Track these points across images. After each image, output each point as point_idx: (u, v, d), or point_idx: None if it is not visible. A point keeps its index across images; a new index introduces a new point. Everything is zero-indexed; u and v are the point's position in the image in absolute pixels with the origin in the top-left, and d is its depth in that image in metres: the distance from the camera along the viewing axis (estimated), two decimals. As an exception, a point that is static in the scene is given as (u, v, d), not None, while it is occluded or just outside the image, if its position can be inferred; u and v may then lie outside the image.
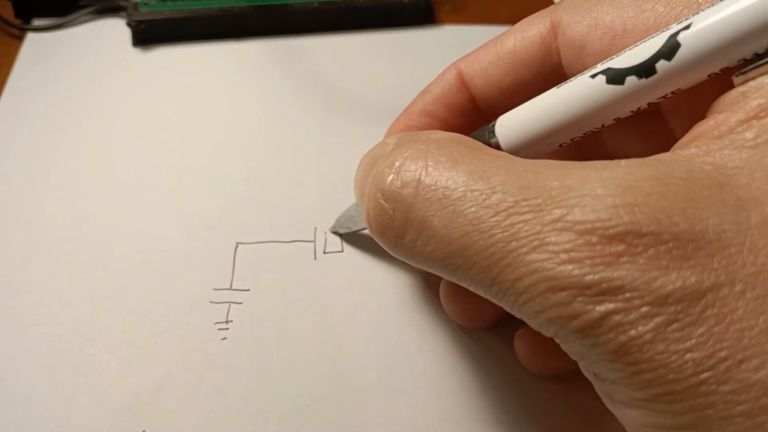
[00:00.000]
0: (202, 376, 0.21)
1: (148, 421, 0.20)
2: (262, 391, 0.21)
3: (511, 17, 0.33)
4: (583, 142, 0.17)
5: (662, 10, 0.16)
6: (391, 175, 0.16)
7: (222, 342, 0.22)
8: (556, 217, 0.13)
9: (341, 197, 0.25)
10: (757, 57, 0.14)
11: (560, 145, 0.17)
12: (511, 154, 0.17)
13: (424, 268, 0.16)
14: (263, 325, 0.22)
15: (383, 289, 0.23)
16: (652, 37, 0.15)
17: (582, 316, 0.12)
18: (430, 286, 0.23)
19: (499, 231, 0.13)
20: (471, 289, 0.15)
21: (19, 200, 0.24)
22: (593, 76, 0.15)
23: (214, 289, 0.23)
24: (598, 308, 0.12)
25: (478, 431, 0.21)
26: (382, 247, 0.17)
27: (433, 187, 0.15)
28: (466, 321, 0.22)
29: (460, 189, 0.14)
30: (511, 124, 0.17)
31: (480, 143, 0.16)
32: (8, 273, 0.23)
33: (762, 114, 0.13)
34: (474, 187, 0.14)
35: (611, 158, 0.14)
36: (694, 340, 0.12)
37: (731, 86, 0.14)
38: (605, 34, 0.17)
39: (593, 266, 0.12)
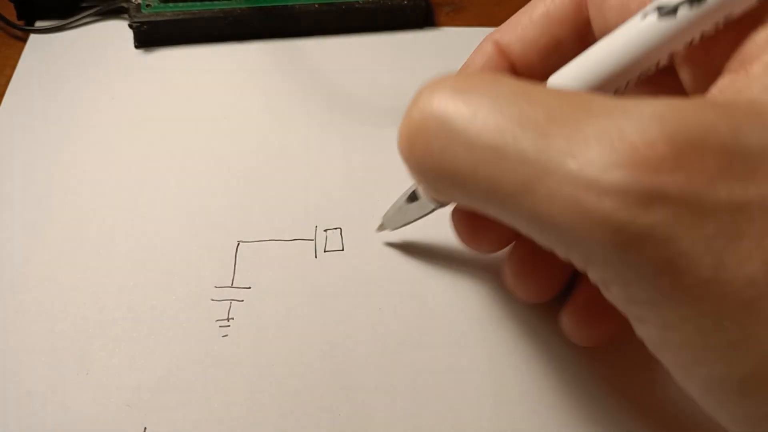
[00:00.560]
0: (203, 374, 0.21)
1: (149, 418, 0.20)
2: (262, 389, 0.21)
3: (510, 19, 0.33)
4: None
5: None
6: (426, 91, 0.15)
7: (223, 339, 0.22)
8: (599, 125, 0.12)
9: (341, 197, 0.25)
10: None
11: (615, 92, 0.17)
12: None
13: (450, 189, 0.15)
14: (264, 323, 0.22)
15: (383, 288, 0.23)
16: None
17: (627, 227, 0.12)
18: (430, 285, 0.24)
19: (537, 135, 0.13)
20: (496, 207, 0.14)
21: (21, 199, 0.24)
22: (644, 17, 0.16)
23: (216, 286, 0.23)
24: (645, 218, 0.11)
25: (479, 428, 0.21)
26: (409, 167, 0.16)
27: (470, 100, 0.14)
28: (533, 295, 0.22)
29: (500, 101, 0.14)
30: (566, 79, 0.17)
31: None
32: (10, 271, 0.23)
33: None
34: (513, 99, 0.13)
35: None
36: (743, 254, 0.11)
37: (746, 33, 0.14)
38: None
39: (638, 172, 0.11)
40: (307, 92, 0.29)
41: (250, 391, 0.21)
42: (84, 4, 0.31)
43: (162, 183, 0.25)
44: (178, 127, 0.27)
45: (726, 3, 0.15)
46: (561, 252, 0.13)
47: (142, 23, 0.29)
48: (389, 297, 0.23)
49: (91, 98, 0.28)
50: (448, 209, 0.21)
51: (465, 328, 0.23)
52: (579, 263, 0.13)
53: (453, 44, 0.32)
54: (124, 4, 0.30)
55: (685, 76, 0.17)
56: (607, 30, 0.17)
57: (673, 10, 0.15)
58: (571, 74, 0.17)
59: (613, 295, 0.13)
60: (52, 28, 0.30)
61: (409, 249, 0.24)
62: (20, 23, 0.30)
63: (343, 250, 0.24)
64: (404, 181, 0.26)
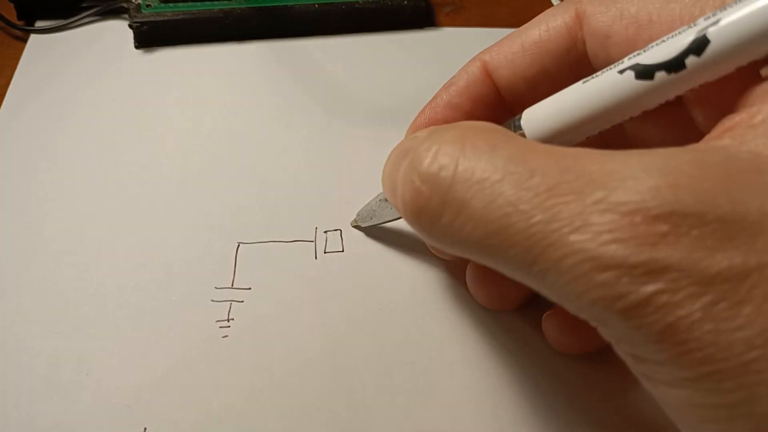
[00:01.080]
0: (203, 374, 0.21)
1: (149, 418, 0.20)
2: (262, 389, 0.21)
3: (509, 19, 0.33)
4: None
5: (687, 1, 0.16)
6: (429, 158, 0.15)
7: (223, 340, 0.22)
8: (598, 198, 0.13)
9: (342, 197, 0.25)
10: None
11: (587, 137, 0.17)
12: None
13: (459, 253, 0.16)
14: (264, 324, 0.22)
15: (383, 289, 0.23)
16: (679, 33, 0.15)
17: (628, 296, 0.12)
18: (430, 285, 0.24)
19: (539, 211, 0.13)
20: (507, 271, 0.15)
21: (21, 199, 0.25)
22: (621, 72, 0.15)
23: (216, 287, 0.23)
24: (644, 288, 0.12)
25: (478, 428, 0.21)
26: (417, 232, 0.17)
27: (471, 170, 0.14)
28: (491, 304, 0.22)
29: (498, 171, 0.14)
30: (537, 117, 0.17)
31: (513, 133, 0.16)
32: (11, 271, 0.23)
33: None
34: (513, 170, 0.14)
35: (631, 145, 0.14)
36: (742, 319, 0.12)
37: (757, 76, 0.14)
38: (630, 24, 0.17)
39: (638, 246, 0.12)
40: (308, 92, 0.29)
41: (250, 392, 0.21)
42: (84, 4, 0.31)
43: (162, 183, 0.25)
44: (178, 127, 0.27)
45: (703, 72, 0.15)
46: (571, 311, 0.14)
47: (142, 23, 0.29)
48: (389, 297, 0.23)
49: (91, 98, 0.28)
50: None
51: (465, 329, 0.23)
52: (590, 322, 0.14)
53: (453, 44, 0.32)
54: (124, 4, 0.30)
55: (694, 111, 0.17)
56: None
57: (649, 74, 0.15)
58: (544, 114, 0.17)
59: (622, 351, 0.14)
60: (52, 28, 0.30)
61: (398, 258, 0.24)
62: (20, 23, 0.30)
63: (343, 251, 0.24)
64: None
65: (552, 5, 0.30)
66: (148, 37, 0.30)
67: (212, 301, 0.23)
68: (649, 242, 0.12)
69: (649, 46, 0.15)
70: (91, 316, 0.22)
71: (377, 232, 0.25)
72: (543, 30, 0.19)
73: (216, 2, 0.30)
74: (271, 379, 0.21)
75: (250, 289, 0.23)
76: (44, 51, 0.30)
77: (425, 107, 0.22)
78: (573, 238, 0.13)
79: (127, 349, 0.21)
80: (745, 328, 0.11)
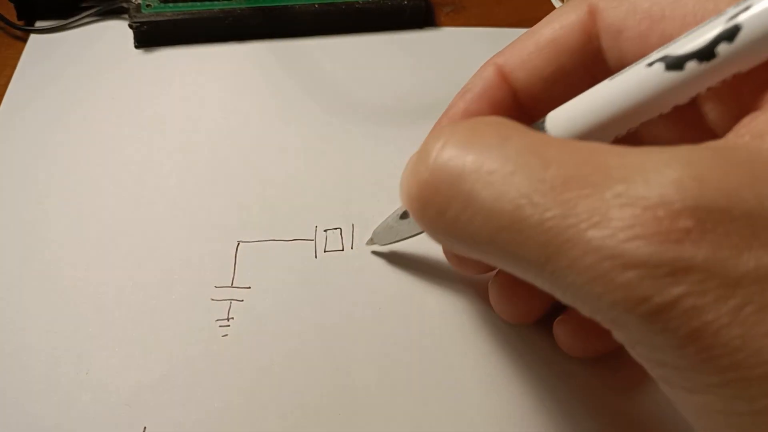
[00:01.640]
0: (202, 373, 0.21)
1: (148, 418, 0.20)
2: (262, 388, 0.21)
3: (509, 19, 0.33)
4: None
5: None
6: (436, 150, 0.14)
7: (223, 339, 0.22)
8: (618, 192, 0.12)
9: (341, 197, 0.25)
10: None
11: (615, 138, 0.16)
12: None
13: (467, 251, 0.15)
14: (264, 323, 0.22)
15: (383, 288, 0.23)
16: (709, 22, 0.14)
17: (652, 299, 0.11)
18: (430, 286, 0.24)
19: (554, 205, 0.12)
20: (517, 271, 0.14)
21: (21, 199, 0.24)
22: (650, 65, 0.15)
23: (216, 286, 0.23)
24: (670, 290, 0.11)
25: (478, 428, 0.21)
26: (422, 228, 0.16)
27: (482, 161, 0.14)
28: (516, 318, 0.22)
29: (510, 163, 0.13)
30: (563, 120, 0.17)
31: (526, 126, 0.15)
32: (10, 271, 0.23)
33: None
34: (527, 162, 0.13)
35: (643, 144, 0.14)
36: None
37: None
38: (643, 18, 0.16)
39: (662, 243, 0.11)
40: (307, 92, 0.29)
41: (250, 391, 0.21)
42: (84, 4, 0.31)
43: (162, 182, 0.25)
44: (178, 127, 0.27)
45: (735, 61, 0.14)
46: (584, 313, 0.13)
47: (142, 23, 0.29)
48: (389, 297, 0.23)
49: (92, 98, 0.28)
50: None
51: (465, 329, 0.23)
52: (604, 324, 0.13)
53: (453, 44, 0.32)
54: (124, 4, 0.30)
55: (709, 111, 0.17)
56: (623, 61, 0.16)
57: (679, 65, 0.14)
58: (570, 115, 0.17)
59: (638, 354, 0.13)
60: (52, 28, 0.30)
61: (397, 259, 0.24)
62: (20, 23, 0.30)
63: (342, 250, 0.24)
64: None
65: (552, 5, 0.30)
66: (148, 37, 0.30)
67: (212, 300, 0.22)
68: (673, 239, 0.11)
69: (678, 38, 0.15)
70: (91, 315, 0.22)
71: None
72: (557, 27, 0.19)
73: (216, 2, 0.30)
74: (270, 378, 0.21)
75: (249, 288, 0.23)
76: (44, 51, 0.30)
77: (442, 117, 0.21)
78: (591, 234, 0.12)
79: (126, 348, 0.21)
80: None
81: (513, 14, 0.33)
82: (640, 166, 0.12)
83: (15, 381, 0.20)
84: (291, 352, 0.22)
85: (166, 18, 0.29)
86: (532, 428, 0.21)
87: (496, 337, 0.22)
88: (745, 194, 0.12)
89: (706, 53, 0.14)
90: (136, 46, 0.30)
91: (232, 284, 0.23)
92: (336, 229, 0.25)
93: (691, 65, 0.14)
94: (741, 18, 0.14)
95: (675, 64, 0.15)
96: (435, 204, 0.15)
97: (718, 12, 0.14)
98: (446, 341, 0.22)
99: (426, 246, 0.24)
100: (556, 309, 0.22)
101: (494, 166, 0.13)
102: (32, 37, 0.30)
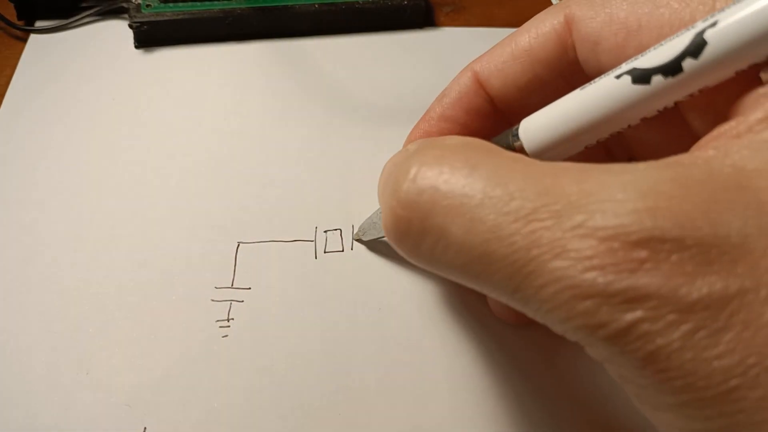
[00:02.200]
0: (202, 374, 0.21)
1: (149, 418, 0.20)
2: (262, 389, 0.21)
3: (509, 19, 0.33)
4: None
5: (676, 6, 0.15)
6: (407, 183, 0.15)
7: (223, 340, 0.22)
8: (577, 223, 0.12)
9: (341, 197, 0.25)
10: None
11: (586, 147, 0.17)
12: (535, 156, 0.17)
13: (444, 276, 0.16)
14: (264, 323, 0.22)
15: (383, 288, 0.23)
16: (676, 36, 0.14)
17: (609, 324, 0.12)
18: (430, 286, 0.24)
19: (519, 238, 0.13)
20: (493, 296, 0.15)
21: (21, 199, 0.25)
22: (618, 77, 0.15)
23: (216, 287, 0.23)
24: (625, 317, 0.12)
25: (478, 429, 0.21)
26: (403, 254, 0.17)
27: (450, 194, 0.14)
28: (514, 319, 0.22)
29: (477, 196, 0.14)
30: (535, 127, 0.17)
31: (496, 147, 0.16)
32: (11, 271, 0.23)
33: None
34: (492, 194, 0.14)
35: (630, 150, 0.14)
36: (722, 347, 0.11)
37: (757, 81, 0.14)
38: (620, 30, 0.17)
39: (617, 273, 0.12)
40: (307, 92, 0.29)
41: (250, 392, 0.21)
42: (84, 4, 0.31)
43: (162, 183, 0.25)
44: (178, 128, 0.27)
45: (701, 76, 0.14)
46: (556, 332, 0.14)
47: (142, 23, 0.29)
48: (389, 297, 0.23)
49: (92, 98, 0.28)
50: None
51: (465, 329, 0.23)
52: (576, 341, 0.14)
53: (453, 44, 0.32)
54: (124, 4, 0.30)
55: (691, 119, 0.17)
56: (600, 71, 0.16)
57: (646, 78, 0.15)
58: (541, 124, 0.17)
59: (610, 371, 0.14)
60: (52, 28, 0.30)
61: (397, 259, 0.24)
62: (20, 23, 0.30)
63: (342, 251, 0.24)
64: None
65: (552, 5, 0.30)
66: (148, 37, 0.30)
67: (212, 300, 0.23)
68: (627, 269, 0.12)
69: (647, 50, 0.15)
70: (91, 316, 0.22)
71: (377, 234, 0.25)
72: (533, 37, 0.19)
73: (216, 2, 0.30)
74: (270, 379, 0.21)
75: (250, 288, 0.23)
76: (44, 51, 0.30)
77: (420, 120, 0.22)
78: (553, 264, 0.12)
79: (127, 348, 0.21)
80: (725, 357, 0.11)
81: (513, 14, 0.33)
82: (599, 195, 0.13)
83: (15, 381, 0.20)
84: (291, 352, 0.22)
85: (166, 18, 0.29)
86: (532, 428, 0.21)
87: (496, 338, 0.22)
88: (699, 222, 0.12)
89: (672, 68, 0.14)
90: (136, 46, 0.30)
91: (232, 285, 0.23)
92: (336, 229, 0.25)
93: (658, 79, 0.15)
94: (708, 34, 0.14)
95: (641, 77, 0.15)
96: (410, 237, 0.15)
97: (694, 23, 0.14)
98: (446, 341, 0.22)
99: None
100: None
101: (463, 200, 0.14)
102: (32, 37, 0.30)
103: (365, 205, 0.25)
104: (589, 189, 0.13)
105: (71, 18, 0.30)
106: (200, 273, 0.23)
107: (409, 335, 0.22)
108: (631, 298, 0.12)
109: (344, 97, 0.29)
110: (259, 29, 0.31)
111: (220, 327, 0.22)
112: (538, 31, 0.19)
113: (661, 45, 0.15)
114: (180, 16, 0.30)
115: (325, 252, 0.24)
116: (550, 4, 0.30)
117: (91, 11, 0.30)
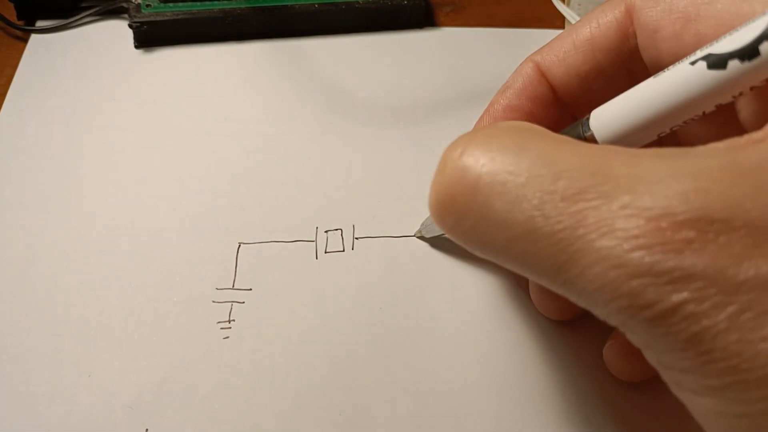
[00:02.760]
0: (204, 375, 0.21)
1: (150, 419, 0.20)
2: (263, 390, 0.21)
3: (510, 19, 0.33)
4: None
5: None
6: (453, 160, 0.15)
7: (224, 341, 0.22)
8: (625, 203, 0.12)
9: (342, 197, 0.26)
10: None
11: (658, 136, 0.17)
12: None
13: (486, 257, 0.16)
14: (265, 324, 0.22)
15: (384, 288, 0.23)
16: (752, 22, 0.14)
17: (655, 305, 0.12)
18: (430, 286, 0.24)
19: (565, 216, 0.13)
20: (533, 278, 0.15)
21: (22, 200, 0.25)
22: (693, 63, 0.15)
23: (217, 288, 0.23)
24: (671, 297, 0.12)
25: (479, 428, 0.21)
26: (444, 232, 0.16)
27: (495, 172, 0.14)
28: (554, 314, 0.22)
29: (523, 174, 0.14)
30: (606, 117, 0.17)
31: (547, 130, 0.16)
32: (12, 273, 0.23)
33: None
34: (539, 173, 0.14)
35: (678, 138, 0.14)
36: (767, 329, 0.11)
37: None
38: (679, 18, 0.17)
39: (664, 253, 0.12)
40: (307, 92, 0.29)
41: (251, 393, 0.21)
42: (84, 4, 0.31)
43: (162, 184, 0.25)
44: (178, 128, 0.27)
45: None
46: (598, 316, 0.14)
47: (142, 23, 0.29)
48: (389, 297, 0.23)
49: (92, 98, 0.28)
50: None
51: (465, 329, 0.23)
52: (616, 326, 0.14)
53: (453, 44, 0.32)
54: (124, 4, 0.30)
55: (741, 108, 0.17)
56: (658, 60, 0.17)
57: (722, 63, 0.15)
58: (615, 113, 0.17)
59: (649, 357, 0.14)
60: (52, 28, 0.30)
61: (397, 259, 0.24)
62: (20, 23, 0.30)
63: (343, 251, 0.24)
64: (404, 182, 0.26)
65: (552, 5, 0.30)
66: (148, 37, 0.30)
67: (213, 302, 0.23)
68: (674, 249, 0.12)
69: (722, 37, 0.15)
70: (92, 318, 0.22)
71: (378, 234, 0.25)
72: (594, 26, 0.19)
73: (216, 2, 0.30)
74: (272, 380, 0.21)
75: (251, 289, 0.23)
76: (44, 51, 0.30)
77: (483, 114, 0.22)
78: (599, 244, 0.12)
79: (128, 350, 0.21)
80: None
81: (513, 14, 0.33)
82: (648, 177, 0.13)
83: (17, 384, 0.20)
84: (292, 353, 0.22)
85: (166, 18, 0.29)
86: (533, 427, 0.21)
87: (496, 337, 0.23)
88: (748, 205, 0.12)
89: (748, 52, 0.14)
90: (136, 46, 0.30)
91: (233, 286, 0.23)
92: (336, 230, 0.25)
93: (734, 64, 0.14)
94: None
95: (717, 62, 0.15)
96: (453, 214, 0.15)
97: (753, 12, 0.15)
98: (446, 341, 0.22)
99: (426, 247, 0.24)
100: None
101: (508, 177, 0.14)
102: (32, 37, 0.30)
103: (366, 205, 0.25)
104: (638, 172, 0.13)
105: (71, 18, 0.30)
106: (201, 274, 0.23)
107: (409, 335, 0.22)
108: (678, 278, 0.12)
109: (344, 97, 0.29)
110: (259, 29, 0.31)
111: (222, 328, 0.22)
112: (600, 21, 0.19)
113: (737, 30, 0.15)
114: (180, 16, 0.30)
115: (325, 252, 0.24)
116: (550, 3, 0.30)
117: (91, 11, 0.30)
